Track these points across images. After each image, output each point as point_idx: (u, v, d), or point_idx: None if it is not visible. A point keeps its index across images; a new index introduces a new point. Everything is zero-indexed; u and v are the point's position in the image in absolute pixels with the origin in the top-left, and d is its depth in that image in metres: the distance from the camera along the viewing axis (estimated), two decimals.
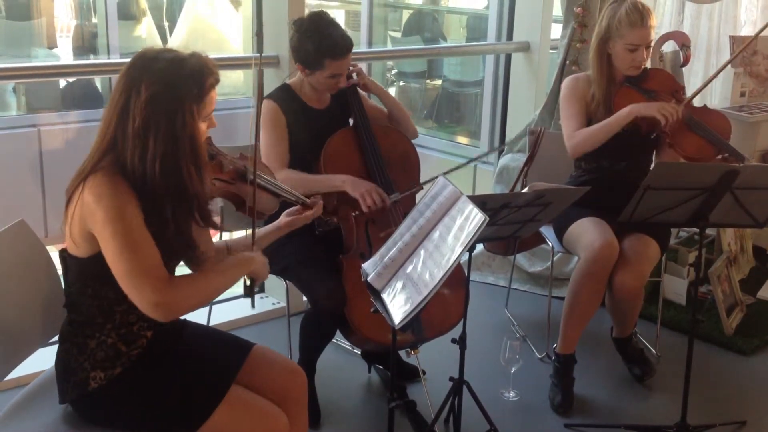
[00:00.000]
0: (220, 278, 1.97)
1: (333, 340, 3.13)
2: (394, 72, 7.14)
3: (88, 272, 1.91)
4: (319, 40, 2.80)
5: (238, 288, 4.81)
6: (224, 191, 2.11)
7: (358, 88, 3.05)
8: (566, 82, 3.27)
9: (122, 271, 1.81)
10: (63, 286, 2.00)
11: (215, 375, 2.01)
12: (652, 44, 3.11)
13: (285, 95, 2.96)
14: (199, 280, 1.96)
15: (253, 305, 2.10)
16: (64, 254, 1.96)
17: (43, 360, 2.20)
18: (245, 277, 2.07)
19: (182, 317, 2.19)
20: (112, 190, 1.81)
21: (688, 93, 3.27)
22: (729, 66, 4.39)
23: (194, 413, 1.94)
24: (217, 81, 1.93)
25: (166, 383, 1.97)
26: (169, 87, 1.83)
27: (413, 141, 3.15)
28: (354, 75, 3.02)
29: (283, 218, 2.33)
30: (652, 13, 3.07)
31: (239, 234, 2.76)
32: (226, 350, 2.13)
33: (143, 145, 1.83)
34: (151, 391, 1.96)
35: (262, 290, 4.00)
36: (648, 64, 3.24)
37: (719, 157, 3.07)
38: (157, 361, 1.98)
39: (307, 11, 3.36)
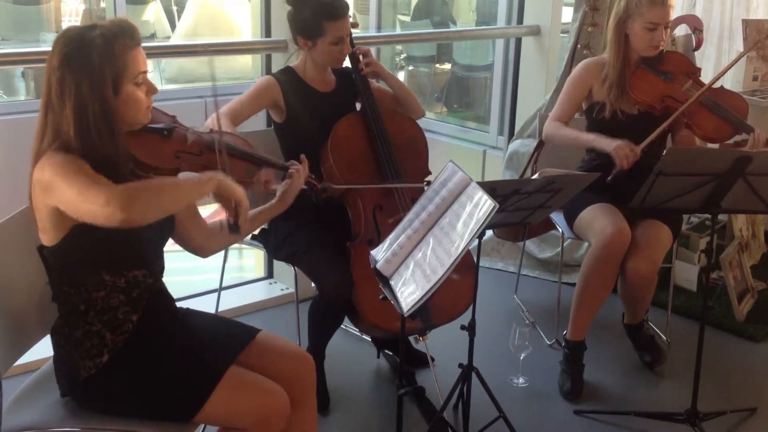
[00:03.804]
0: (172, 183, 1.87)
1: (342, 326, 3.12)
2: (403, 56, 7.11)
3: (62, 261, 1.91)
4: (314, 3, 2.81)
5: (249, 273, 4.79)
6: (193, 163, 2.06)
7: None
8: (579, 65, 3.26)
9: (75, 194, 1.75)
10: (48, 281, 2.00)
11: (214, 358, 1.99)
12: (670, 25, 3.08)
13: (289, 77, 2.94)
14: (150, 180, 1.88)
15: (237, 231, 2.00)
16: (39, 248, 1.95)
17: (50, 347, 2.21)
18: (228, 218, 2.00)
19: (185, 307, 2.19)
20: (57, 158, 1.82)
21: (702, 77, 3.24)
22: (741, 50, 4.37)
23: (191, 397, 1.93)
24: (135, 42, 1.90)
25: (158, 368, 1.95)
26: (75, 51, 1.84)
27: (420, 121, 3.12)
28: (361, 57, 2.99)
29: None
30: None
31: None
32: (229, 335, 2.12)
33: (63, 109, 1.84)
34: (143, 376, 1.94)
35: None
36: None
37: (731, 141, 3.05)
38: (147, 346, 1.96)
39: None
